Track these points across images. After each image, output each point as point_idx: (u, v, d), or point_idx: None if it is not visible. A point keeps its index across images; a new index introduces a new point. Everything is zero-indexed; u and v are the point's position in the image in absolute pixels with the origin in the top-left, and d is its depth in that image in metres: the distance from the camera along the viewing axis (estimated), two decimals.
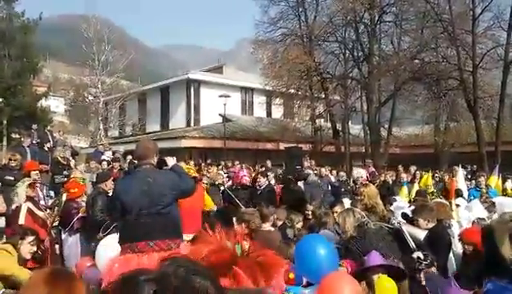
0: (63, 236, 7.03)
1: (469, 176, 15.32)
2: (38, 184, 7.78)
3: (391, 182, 12.57)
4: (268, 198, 7.80)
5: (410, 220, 5.02)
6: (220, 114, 25.20)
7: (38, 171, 7.89)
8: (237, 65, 46.43)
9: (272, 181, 9.93)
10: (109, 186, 6.92)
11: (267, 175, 9.14)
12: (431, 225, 4.83)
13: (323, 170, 11.57)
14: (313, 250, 2.95)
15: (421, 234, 4.35)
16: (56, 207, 7.23)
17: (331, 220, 6.06)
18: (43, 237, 5.91)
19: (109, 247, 4.00)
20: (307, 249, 3.03)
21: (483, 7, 20.36)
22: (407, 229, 4.26)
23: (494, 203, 7.14)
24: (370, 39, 23.16)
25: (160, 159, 4.51)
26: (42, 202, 7.42)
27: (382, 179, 13.03)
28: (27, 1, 24.27)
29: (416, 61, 22.70)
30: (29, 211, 6.03)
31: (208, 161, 17.49)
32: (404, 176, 12.56)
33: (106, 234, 3.99)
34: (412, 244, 4.02)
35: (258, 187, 8.57)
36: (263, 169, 12.11)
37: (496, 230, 3.19)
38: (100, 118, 31.18)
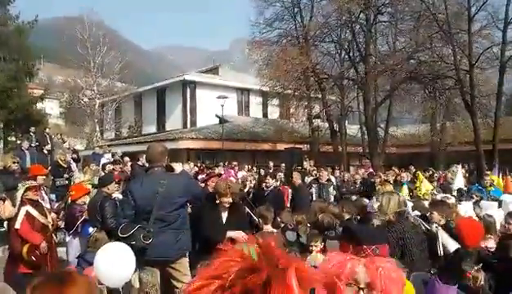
0: (67, 239, 6.99)
1: (467, 175, 15.40)
2: (44, 188, 7.71)
3: (392, 182, 12.55)
4: (275, 200, 7.71)
5: (424, 215, 5.04)
6: (217, 115, 25.16)
7: (44, 176, 7.84)
8: (232, 65, 46.39)
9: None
10: (111, 189, 6.88)
11: (276, 177, 9.06)
12: (444, 221, 4.84)
13: (325, 174, 11.30)
14: None
15: (453, 246, 4.34)
16: (63, 212, 7.21)
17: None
18: (38, 241, 5.82)
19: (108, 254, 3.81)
20: None
21: (479, 7, 20.44)
22: (443, 235, 4.27)
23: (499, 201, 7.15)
24: (366, 39, 23.15)
25: (167, 165, 4.56)
26: (47, 206, 7.34)
27: (382, 178, 13.00)
28: (22, 3, 24.13)
29: (412, 61, 22.75)
30: (28, 215, 5.92)
31: (207, 162, 17.46)
32: (404, 176, 12.57)
33: (127, 236, 3.93)
34: (441, 251, 4.04)
35: (265, 188, 8.47)
36: (271, 170, 12.01)
37: None
38: (96, 120, 31.10)
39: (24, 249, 5.67)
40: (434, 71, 21.97)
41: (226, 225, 4.99)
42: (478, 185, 11.16)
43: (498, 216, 5.78)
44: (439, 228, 4.48)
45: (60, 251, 7.15)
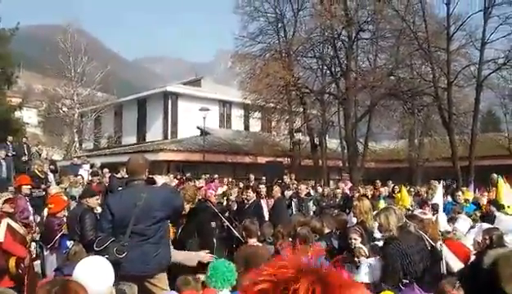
0: (45, 253, 6.84)
1: (444, 191, 15.60)
2: (27, 199, 7.58)
3: (370, 196, 12.66)
4: (255, 213, 7.70)
5: None
6: (198, 127, 25.12)
7: (30, 186, 7.70)
8: (215, 78, 46.55)
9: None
10: (91, 202, 6.69)
11: (257, 190, 9.02)
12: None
13: (303, 188, 11.27)
14: None
15: (456, 264, 4.34)
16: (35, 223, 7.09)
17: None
18: (24, 254, 5.72)
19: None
20: None
21: (457, 27, 20.97)
22: (447, 253, 4.28)
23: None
24: (347, 55, 23.42)
25: (149, 178, 4.52)
26: (31, 218, 7.20)
27: (361, 193, 13.10)
28: (3, 10, 23.78)
29: (392, 78, 23.11)
30: (9, 227, 5.81)
31: (188, 174, 17.36)
32: (383, 191, 12.72)
33: (101, 250, 3.88)
34: (444, 268, 4.04)
35: (246, 201, 8.42)
36: (251, 183, 11.96)
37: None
38: (75, 130, 30.66)
39: (12, 263, 5.53)
40: (413, 88, 22.36)
41: (181, 233, 5.19)
42: (452, 201, 11.30)
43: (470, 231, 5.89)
44: (443, 245, 4.47)
45: (35, 264, 6.99)
